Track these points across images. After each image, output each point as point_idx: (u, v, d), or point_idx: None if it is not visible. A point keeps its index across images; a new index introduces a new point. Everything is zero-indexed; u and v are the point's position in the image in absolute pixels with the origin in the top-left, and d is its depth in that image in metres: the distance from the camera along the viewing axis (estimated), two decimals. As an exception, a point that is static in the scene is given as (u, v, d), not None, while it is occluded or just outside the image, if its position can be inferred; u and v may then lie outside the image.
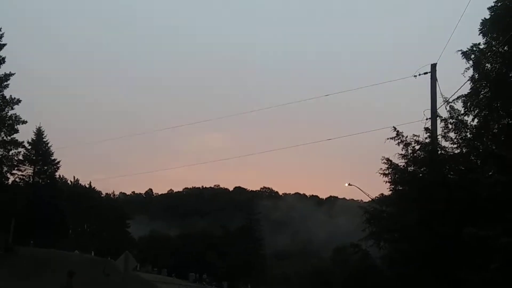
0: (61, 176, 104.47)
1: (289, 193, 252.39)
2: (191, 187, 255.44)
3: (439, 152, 21.31)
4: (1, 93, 58.13)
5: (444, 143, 21.41)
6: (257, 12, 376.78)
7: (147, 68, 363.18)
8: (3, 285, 30.52)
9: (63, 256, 53.00)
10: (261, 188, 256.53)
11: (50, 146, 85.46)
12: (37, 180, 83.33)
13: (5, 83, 58.15)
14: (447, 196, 18.94)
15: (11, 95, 58.43)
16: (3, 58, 57.06)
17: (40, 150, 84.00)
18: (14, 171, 71.11)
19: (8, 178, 68.82)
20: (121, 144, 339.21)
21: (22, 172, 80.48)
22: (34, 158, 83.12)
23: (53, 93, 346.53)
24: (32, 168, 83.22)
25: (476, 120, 21.41)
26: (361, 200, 53.37)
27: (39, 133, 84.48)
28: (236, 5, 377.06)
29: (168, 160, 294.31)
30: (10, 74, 58.16)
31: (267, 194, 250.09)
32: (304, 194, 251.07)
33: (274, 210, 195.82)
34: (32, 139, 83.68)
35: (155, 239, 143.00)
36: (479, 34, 21.44)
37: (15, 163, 66.54)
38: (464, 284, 15.96)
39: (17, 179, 79.54)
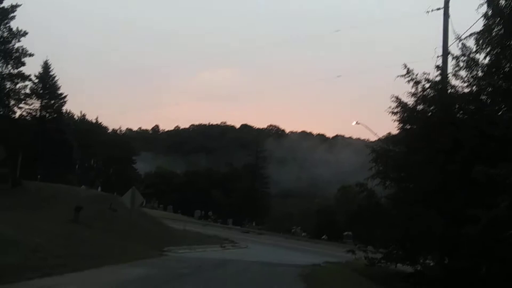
0: (68, 111, 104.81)
1: (296, 131, 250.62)
2: (197, 124, 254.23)
3: (449, 90, 21.03)
4: (8, 25, 57.62)
5: (454, 82, 21.12)
6: None
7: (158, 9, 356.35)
8: (11, 217, 30.81)
9: (70, 190, 53.29)
10: (268, 125, 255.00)
11: (57, 79, 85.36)
12: (44, 114, 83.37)
13: (12, 14, 57.57)
14: (456, 135, 18.77)
15: (17, 27, 57.98)
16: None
17: (47, 84, 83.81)
18: (21, 105, 71.04)
19: (15, 112, 68.96)
20: (130, 80, 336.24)
21: (29, 106, 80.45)
22: (41, 92, 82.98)
23: (63, 26, 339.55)
24: (39, 102, 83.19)
25: (488, 58, 20.94)
26: (368, 139, 53.14)
27: (46, 66, 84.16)
28: None
29: (176, 96, 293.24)
30: (17, 6, 57.54)
31: (274, 132, 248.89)
32: (310, 133, 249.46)
33: (280, 148, 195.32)
34: (39, 73, 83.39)
35: (161, 175, 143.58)
36: (495, -30, 20.82)
37: (22, 97, 66.09)
38: (471, 222, 15.87)
39: (24, 113, 79.81)
